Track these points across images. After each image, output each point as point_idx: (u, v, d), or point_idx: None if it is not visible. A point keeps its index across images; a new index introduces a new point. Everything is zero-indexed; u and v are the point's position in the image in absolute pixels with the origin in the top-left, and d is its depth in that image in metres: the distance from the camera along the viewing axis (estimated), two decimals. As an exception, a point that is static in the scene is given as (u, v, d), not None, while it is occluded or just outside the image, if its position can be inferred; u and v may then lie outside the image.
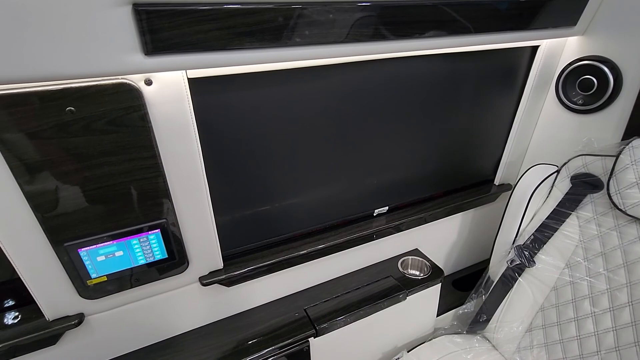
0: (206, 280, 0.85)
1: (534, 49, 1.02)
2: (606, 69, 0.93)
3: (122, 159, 0.63)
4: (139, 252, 0.74)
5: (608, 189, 0.85)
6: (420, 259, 1.15)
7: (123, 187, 0.65)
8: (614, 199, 0.83)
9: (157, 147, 0.65)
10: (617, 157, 0.83)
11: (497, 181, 1.25)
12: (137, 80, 0.59)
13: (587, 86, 0.99)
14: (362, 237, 1.02)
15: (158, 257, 0.76)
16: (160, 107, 0.63)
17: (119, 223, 0.68)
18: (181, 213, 0.75)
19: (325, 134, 0.86)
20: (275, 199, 0.89)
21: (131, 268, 0.74)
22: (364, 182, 1.00)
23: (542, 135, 1.17)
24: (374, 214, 1.07)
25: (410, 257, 1.16)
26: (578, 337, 0.89)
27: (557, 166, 1.00)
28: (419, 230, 1.15)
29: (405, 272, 1.11)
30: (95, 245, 0.69)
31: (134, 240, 0.72)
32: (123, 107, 0.60)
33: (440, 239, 1.26)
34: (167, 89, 0.62)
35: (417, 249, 1.20)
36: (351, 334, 0.99)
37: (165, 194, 0.70)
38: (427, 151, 1.05)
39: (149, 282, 0.79)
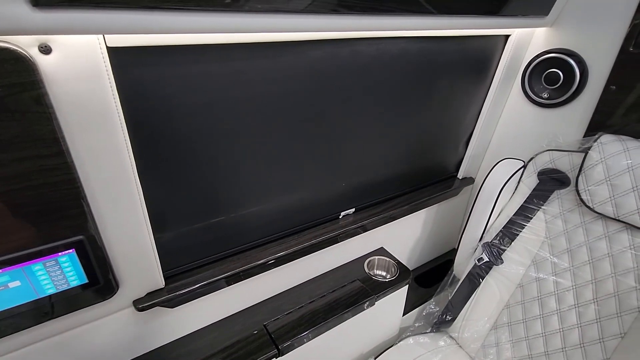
0: (143, 304, 0.69)
1: (505, 39, 0.98)
2: (573, 63, 0.92)
3: (10, 158, 0.45)
4: (45, 279, 0.55)
5: (577, 186, 0.84)
6: (387, 258, 1.09)
7: (13, 197, 0.47)
8: (583, 195, 0.82)
9: (64, 140, 0.48)
10: (586, 153, 0.82)
11: (460, 175, 1.23)
12: (26, 45, 0.41)
13: (553, 80, 0.98)
14: (326, 240, 0.92)
15: (74, 283, 0.59)
16: (67, 85, 0.45)
17: (10, 245, 0.50)
18: (105, 226, 0.58)
19: (283, 128, 0.73)
20: (229, 206, 0.75)
21: (36, 300, 0.56)
22: (329, 184, 0.89)
23: (506, 129, 1.15)
24: (340, 216, 0.98)
25: (376, 257, 1.09)
26: (543, 334, 0.89)
27: (524, 161, 0.98)
28: (384, 229, 1.08)
29: (371, 273, 1.04)
30: (-26, 277, 0.49)
31: (37, 266, 0.54)
32: (6, 84, 0.41)
33: (404, 235, 1.21)
34: (76, 60, 0.45)
35: (382, 247, 1.13)
36: (316, 348, 0.89)
37: (80, 202, 0.53)
38: (392, 147, 0.97)
39: (63, 314, 0.61)
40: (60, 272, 0.56)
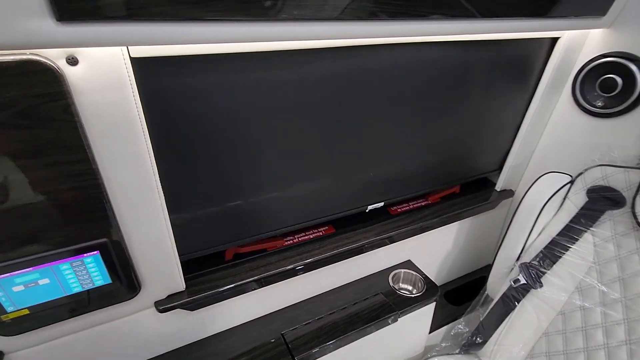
0: (164, 305, 0.71)
1: (553, 41, 0.89)
2: (635, 68, 0.82)
3: (40, 163, 0.47)
4: (71, 278, 0.58)
5: (633, 207, 0.74)
6: (413, 272, 1.04)
7: (43, 200, 0.49)
8: (640, 219, 0.73)
9: (89, 147, 0.49)
10: (647, 171, 0.73)
11: (498, 187, 1.14)
12: (54, 57, 0.43)
13: (609, 86, 0.87)
14: (350, 250, 0.89)
15: (99, 283, 0.61)
16: (93, 95, 0.47)
17: (40, 245, 0.52)
18: (128, 230, 0.59)
19: (313, 121, 0.71)
20: (249, 193, 0.73)
21: (63, 297, 0.59)
22: (356, 174, 0.84)
23: (552, 139, 1.05)
24: (367, 210, 0.93)
25: (402, 270, 1.04)
26: (587, 370, 0.80)
27: (572, 176, 0.89)
28: (412, 241, 1.03)
29: (396, 287, 0.99)
30: (8, 274, 0.53)
31: (64, 265, 0.56)
32: (36, 94, 0.43)
33: (434, 249, 1.15)
34: (101, 71, 0.46)
35: (409, 260, 1.08)
36: (334, 361, 0.87)
37: (104, 207, 0.54)
38: (426, 146, 0.91)
39: (89, 312, 0.63)
40: (86, 272, 0.59)
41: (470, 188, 1.15)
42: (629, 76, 0.83)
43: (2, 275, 0.52)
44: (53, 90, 0.44)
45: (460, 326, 1.06)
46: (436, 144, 0.92)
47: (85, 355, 0.69)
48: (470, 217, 1.14)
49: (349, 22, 0.52)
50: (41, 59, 0.42)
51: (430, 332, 1.10)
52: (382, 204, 0.94)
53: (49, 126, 0.45)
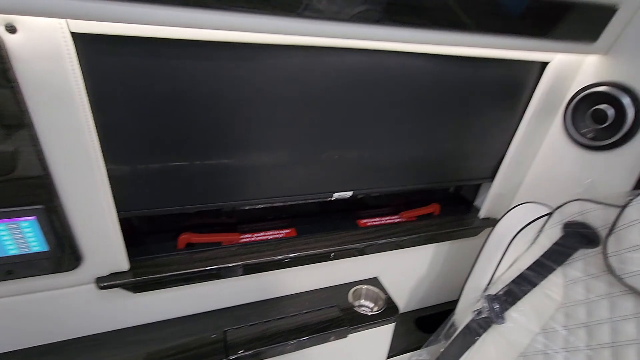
0: (105, 282, 0.72)
1: (543, 66, 0.85)
2: (626, 100, 0.76)
3: (-22, 124, 0.50)
4: (7, 240, 0.60)
5: (605, 247, 0.68)
6: (377, 289, 0.99)
7: (-22, 160, 0.52)
8: (611, 260, 0.66)
9: (28, 113, 0.52)
10: (623, 208, 0.66)
11: (481, 214, 1.08)
12: (-6, 23, 0.46)
13: (601, 117, 0.82)
14: (310, 257, 0.87)
15: (35, 248, 0.63)
16: (32, 64, 0.49)
17: (-25, 203, 0.55)
18: (69, 200, 0.61)
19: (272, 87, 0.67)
20: (192, 155, 0.69)
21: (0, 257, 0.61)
22: (322, 152, 0.79)
23: (542, 169, 0.99)
24: (333, 198, 0.87)
25: (365, 286, 1.00)
26: (541, 422, 0.73)
27: (551, 207, 0.83)
28: (381, 257, 1.00)
29: (355, 303, 0.96)
30: (-56, 225, 0.55)
31: (0, 226, 0.59)
32: (-26, 58, 0.46)
33: (407, 270, 1.10)
34: (40, 41, 0.48)
35: (376, 277, 1.04)
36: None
37: (42, 174, 0.56)
38: (398, 144, 0.86)
39: (25, 276, 0.65)
40: (22, 236, 0.61)
41: (451, 211, 1.10)
42: (620, 108, 0.77)
43: (-61, 226, 0.55)
44: (-8, 54, 0.46)
45: (421, 356, 1.00)
46: (410, 145, 0.87)
47: (22, 320, 0.71)
48: (449, 242, 1.09)
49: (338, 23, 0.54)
50: (-21, 23, 0.44)
51: (392, 357, 1.04)
52: (350, 193, 0.88)
53: (-13, 89, 0.48)
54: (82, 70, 0.53)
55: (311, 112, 0.72)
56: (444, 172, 0.98)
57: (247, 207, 0.91)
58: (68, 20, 0.48)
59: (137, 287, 0.75)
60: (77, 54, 0.51)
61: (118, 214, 0.67)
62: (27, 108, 0.51)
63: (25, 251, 0.62)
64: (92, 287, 0.72)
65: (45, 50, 0.49)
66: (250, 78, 0.64)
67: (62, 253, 0.65)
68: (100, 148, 0.59)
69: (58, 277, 0.68)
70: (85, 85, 0.54)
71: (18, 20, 0.46)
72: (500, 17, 0.66)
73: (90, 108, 0.55)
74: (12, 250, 0.61)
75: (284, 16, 0.53)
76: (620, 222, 0.66)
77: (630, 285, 0.64)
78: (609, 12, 0.72)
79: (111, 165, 0.63)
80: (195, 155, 0.69)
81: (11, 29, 0.46)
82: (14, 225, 0.59)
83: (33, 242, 0.62)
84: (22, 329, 0.73)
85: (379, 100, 0.76)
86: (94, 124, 0.57)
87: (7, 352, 0.74)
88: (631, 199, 0.66)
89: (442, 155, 0.93)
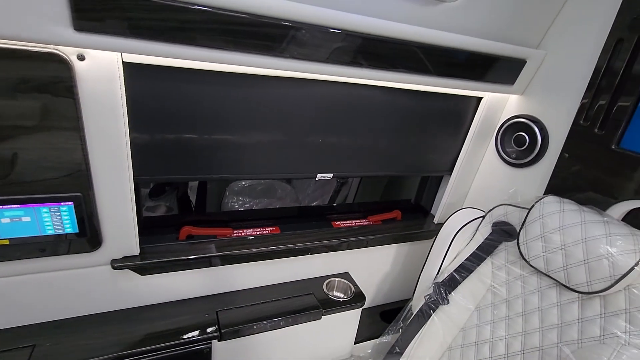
0: (119, 264, 0.85)
1: (478, 100, 1.09)
2: (536, 129, 1.00)
3: (42, 125, 0.65)
4: (47, 221, 0.74)
5: (518, 239, 0.89)
6: (347, 282, 1.17)
7: (38, 153, 0.67)
8: (522, 249, 0.88)
9: (82, 120, 0.68)
10: (529, 210, 0.88)
11: (436, 219, 1.29)
12: (69, 53, 0.62)
13: (521, 142, 1.06)
14: (290, 250, 1.04)
15: (68, 230, 0.77)
16: (91, 83, 0.66)
17: (29, 188, 0.69)
18: (100, 192, 0.76)
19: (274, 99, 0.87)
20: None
21: (37, 236, 0.74)
22: (308, 136, 0.95)
23: (482, 182, 1.22)
24: (316, 179, 1.05)
25: (337, 279, 1.17)
26: (474, 381, 0.90)
27: (484, 212, 1.04)
28: (351, 254, 1.17)
29: (329, 293, 1.12)
30: (1, 206, 0.69)
31: (44, 209, 0.73)
32: (52, 76, 0.62)
33: (373, 267, 1.28)
34: (100, 67, 0.65)
35: (347, 272, 1.22)
36: (260, 345, 0.98)
37: (84, 168, 0.72)
38: (366, 157, 1.07)
39: (55, 255, 0.78)
40: (60, 218, 0.75)
41: (411, 217, 1.31)
42: (533, 135, 1.02)
43: (-4, 207, 0.68)
44: (64, 74, 0.63)
45: (384, 338, 1.17)
46: (376, 150, 1.08)
47: (42, 296, 0.83)
48: (409, 243, 1.28)
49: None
50: (60, 52, 0.61)
51: (359, 342, 1.20)
52: (330, 175, 1.05)
53: (55, 98, 0.64)
54: (125, 88, 0.70)
55: (294, 130, 0.92)
56: (406, 168, 1.19)
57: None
58: (123, 53, 0.66)
59: (144, 269, 0.89)
60: (125, 77, 0.68)
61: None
62: (82, 115, 0.67)
63: (60, 231, 0.76)
64: (108, 268, 0.86)
65: (103, 74, 0.66)
66: (252, 100, 0.84)
67: (87, 236, 0.79)
68: (130, 150, 0.75)
69: (80, 257, 0.81)
70: (127, 102, 0.70)
71: (87, 52, 0.63)
72: (446, 65, 0.89)
73: (128, 120, 0.72)
74: (49, 230, 0.75)
75: (278, 57, 0.72)
76: (528, 220, 0.88)
77: (533, 266, 0.85)
78: (521, 64, 0.97)
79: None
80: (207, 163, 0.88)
81: (81, 58, 0.63)
82: (55, 209, 0.73)
83: (68, 224, 0.76)
84: (43, 304, 0.84)
85: (353, 119, 0.97)
86: (129, 131, 0.73)
87: (23, 325, 0.84)
88: (534, 203, 0.88)
89: (405, 161, 1.15)
